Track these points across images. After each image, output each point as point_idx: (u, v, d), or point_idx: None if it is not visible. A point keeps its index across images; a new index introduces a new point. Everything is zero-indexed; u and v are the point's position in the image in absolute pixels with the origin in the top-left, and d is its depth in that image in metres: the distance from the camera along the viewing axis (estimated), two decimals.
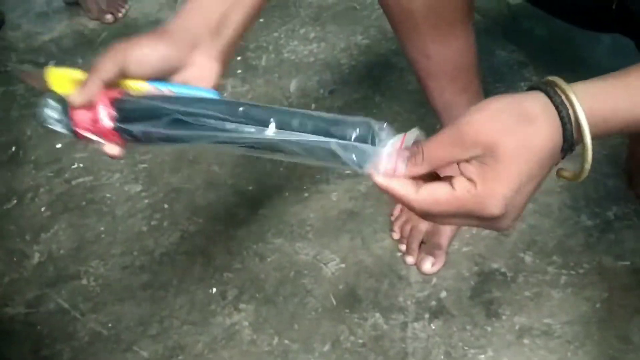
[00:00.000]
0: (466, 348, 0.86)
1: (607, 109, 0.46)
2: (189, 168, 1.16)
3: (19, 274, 1.04)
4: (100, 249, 1.06)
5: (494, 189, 0.44)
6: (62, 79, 0.56)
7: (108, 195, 1.14)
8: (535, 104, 0.45)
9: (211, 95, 0.55)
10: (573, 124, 0.45)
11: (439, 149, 0.45)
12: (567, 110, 0.45)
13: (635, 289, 0.89)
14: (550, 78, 0.46)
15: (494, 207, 0.44)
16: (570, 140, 0.45)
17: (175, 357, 0.91)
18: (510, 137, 0.43)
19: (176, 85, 0.56)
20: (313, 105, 1.22)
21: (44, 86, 0.56)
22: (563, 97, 0.45)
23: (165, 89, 0.55)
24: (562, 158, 0.47)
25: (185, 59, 0.56)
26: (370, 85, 1.25)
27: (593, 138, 0.45)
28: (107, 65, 0.54)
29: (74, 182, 1.17)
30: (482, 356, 0.85)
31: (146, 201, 1.12)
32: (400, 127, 0.47)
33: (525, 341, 0.86)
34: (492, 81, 1.19)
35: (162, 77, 0.55)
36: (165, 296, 0.98)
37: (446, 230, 0.97)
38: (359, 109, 1.20)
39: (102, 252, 1.05)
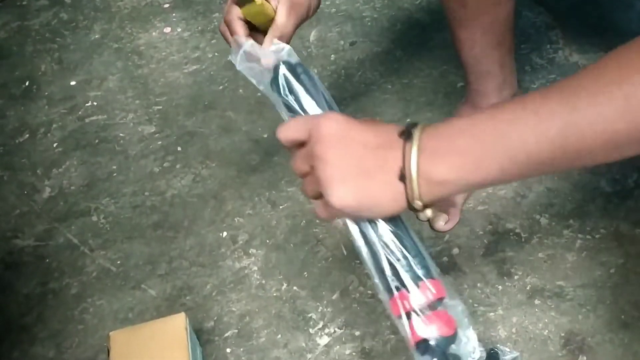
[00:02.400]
0: (476, 305, 0.86)
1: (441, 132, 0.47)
2: (203, 112, 1.15)
3: (29, 207, 1.04)
4: (111, 187, 1.05)
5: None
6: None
7: (121, 134, 1.13)
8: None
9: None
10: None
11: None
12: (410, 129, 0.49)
13: None
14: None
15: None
16: (408, 128, 0.48)
17: (183, 297, 0.91)
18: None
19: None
20: (332, 57, 1.20)
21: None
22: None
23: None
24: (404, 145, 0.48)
25: None
26: (392, 40, 1.22)
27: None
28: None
29: (87, 120, 1.16)
30: (492, 314, 0.85)
31: (159, 143, 1.11)
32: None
33: (537, 302, 0.85)
34: (518, 42, 1.16)
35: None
36: (175, 237, 0.98)
37: None
38: (379, 63, 1.17)
39: (113, 191, 1.05)
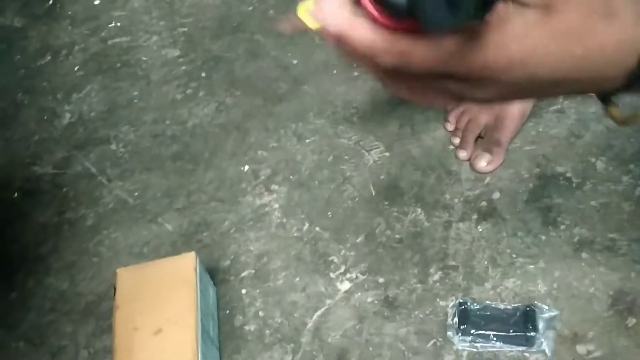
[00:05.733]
0: (514, 256, 0.78)
1: None
2: (230, 35, 1.06)
3: (49, 133, 1.00)
4: (131, 114, 1.00)
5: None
6: None
7: (144, 58, 1.06)
8: None
9: None
10: None
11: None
12: None
13: None
14: None
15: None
16: None
17: (200, 233, 0.86)
18: None
19: None
20: None
21: None
22: None
23: None
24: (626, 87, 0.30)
25: None
26: None
27: None
28: None
29: (109, 42, 1.10)
30: (532, 266, 0.76)
31: (183, 68, 1.04)
32: None
33: (584, 255, 0.76)
34: None
35: None
36: (195, 170, 0.92)
37: (509, 125, 0.86)
38: None
39: (134, 118, 0.99)
